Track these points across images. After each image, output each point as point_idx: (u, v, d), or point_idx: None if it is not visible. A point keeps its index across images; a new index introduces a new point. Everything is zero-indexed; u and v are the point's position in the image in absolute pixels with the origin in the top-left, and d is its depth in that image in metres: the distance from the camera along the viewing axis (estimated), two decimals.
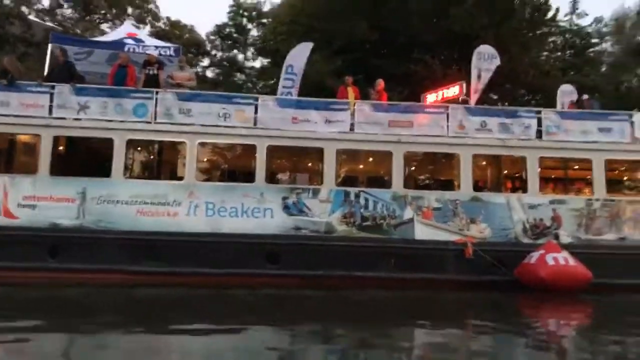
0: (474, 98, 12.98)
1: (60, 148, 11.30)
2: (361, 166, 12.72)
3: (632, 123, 11.89)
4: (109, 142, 10.68)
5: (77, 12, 32.58)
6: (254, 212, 10.63)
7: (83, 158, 11.60)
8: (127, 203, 10.42)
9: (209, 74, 37.27)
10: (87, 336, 6.38)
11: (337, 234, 10.74)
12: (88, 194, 10.38)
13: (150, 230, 10.26)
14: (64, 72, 10.97)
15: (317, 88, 18.62)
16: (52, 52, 11.82)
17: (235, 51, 38.78)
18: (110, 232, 10.22)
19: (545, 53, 27.27)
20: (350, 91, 12.24)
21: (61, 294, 9.21)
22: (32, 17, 28.88)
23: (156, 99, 10.90)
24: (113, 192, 10.44)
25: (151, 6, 34.66)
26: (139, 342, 6.25)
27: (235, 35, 38.02)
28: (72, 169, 10.81)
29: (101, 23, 33.05)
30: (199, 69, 36.22)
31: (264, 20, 36.78)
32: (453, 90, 14.37)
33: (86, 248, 10.05)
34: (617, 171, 12.52)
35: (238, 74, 37.42)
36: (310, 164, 12.23)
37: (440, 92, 14.91)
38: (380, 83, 12.75)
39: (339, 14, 22.58)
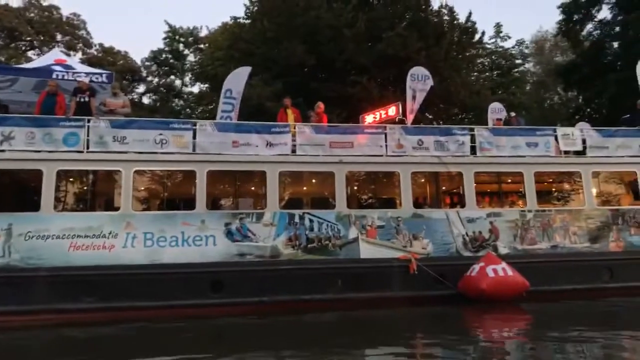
0: (410, 118, 13.39)
1: None
2: (304, 188, 12.71)
3: (556, 137, 12.66)
4: (38, 173, 10.07)
5: (1, 39, 31.07)
6: (195, 240, 10.32)
7: (8, 192, 10.87)
8: (59, 237, 9.83)
9: (146, 100, 36.49)
10: None
11: (283, 257, 10.60)
12: (14, 230, 9.70)
13: (85, 265, 9.71)
14: None
15: (257, 111, 18.62)
16: None
17: (172, 77, 38.24)
18: (41, 270, 9.56)
19: (475, 73, 28.71)
20: (290, 113, 12.33)
21: None
22: None
23: (88, 127, 10.45)
24: (43, 226, 9.81)
25: (82, 32, 33.65)
26: None
27: (171, 61, 37.52)
28: None
29: (27, 50, 31.67)
30: (135, 96, 35.39)
31: (201, 46, 36.56)
32: (390, 111, 14.76)
33: (14, 288, 9.34)
34: (545, 183, 13.23)
35: (176, 100, 36.84)
36: (252, 188, 12.09)
37: (377, 113, 15.28)
38: (320, 105, 12.93)
39: (276, 40, 22.78)
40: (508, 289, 10.19)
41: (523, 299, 10.43)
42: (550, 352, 7.04)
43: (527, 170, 12.09)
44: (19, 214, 9.88)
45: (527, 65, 38.47)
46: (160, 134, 10.78)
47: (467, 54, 25.77)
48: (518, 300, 10.42)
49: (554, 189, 13.57)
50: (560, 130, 12.89)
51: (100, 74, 12.18)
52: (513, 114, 14.95)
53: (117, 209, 10.37)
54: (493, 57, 32.38)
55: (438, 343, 7.76)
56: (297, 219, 10.82)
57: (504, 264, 10.43)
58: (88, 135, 10.42)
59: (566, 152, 12.67)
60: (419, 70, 13.92)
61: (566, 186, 13.33)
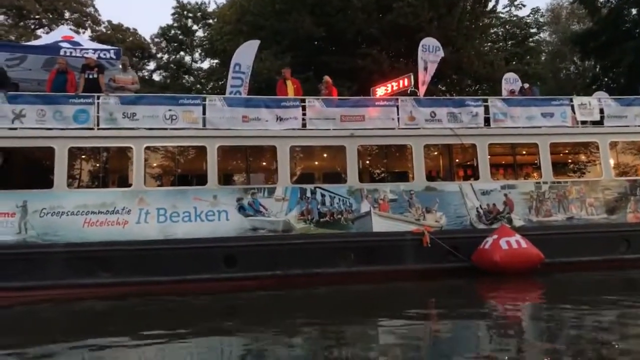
0: (422, 89, 13.14)
1: None
2: (316, 162, 12.64)
3: (572, 107, 12.36)
4: (50, 151, 10.12)
5: (11, 18, 30.97)
6: (208, 215, 10.34)
7: (22, 170, 10.95)
8: (73, 214, 9.90)
9: (156, 77, 36.38)
10: (38, 355, 6.02)
11: (295, 232, 10.60)
12: (29, 207, 9.79)
13: (100, 241, 9.79)
14: None
15: (267, 86, 18.43)
16: None
17: (182, 53, 37.99)
18: (56, 246, 9.67)
19: (488, 43, 28.09)
20: (290, 84, 12.13)
21: (6, 313, 8.68)
22: None
23: (98, 104, 10.41)
24: (57, 203, 9.89)
25: (90, 9, 33.41)
26: (92, 357, 5.96)
27: (181, 37, 37.21)
28: (10, 182, 10.18)
29: (37, 29, 31.56)
30: (145, 73, 35.29)
31: (210, 21, 36.17)
32: (402, 83, 14.50)
33: (30, 264, 9.48)
34: (561, 154, 12.99)
35: (186, 76, 36.67)
36: (264, 163, 12.04)
37: (389, 85, 15.02)
38: (327, 79, 12.72)
39: (284, 12, 22.41)
40: (522, 261, 10.11)
41: (538, 271, 10.35)
42: (565, 324, 6.98)
43: (542, 141, 11.86)
44: (33, 191, 9.95)
45: (542, 35, 37.51)
46: (170, 110, 10.71)
47: (480, 23, 25.17)
48: (533, 272, 10.34)
49: (570, 160, 13.35)
50: (577, 100, 12.58)
51: (108, 50, 12.05)
52: (527, 85, 14.58)
53: (130, 185, 10.39)
54: (507, 26, 31.53)
55: (451, 315, 7.75)
56: (308, 194, 10.78)
57: (517, 236, 10.33)
58: (98, 112, 10.40)
59: (583, 122, 12.39)
60: (430, 41, 13.58)
61: (583, 157, 13.10)
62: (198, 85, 33.50)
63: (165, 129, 10.61)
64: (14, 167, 10.89)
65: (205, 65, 36.06)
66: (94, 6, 33.92)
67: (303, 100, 11.41)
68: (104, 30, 33.59)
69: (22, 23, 30.94)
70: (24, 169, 11.02)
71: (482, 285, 10.16)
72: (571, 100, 12.53)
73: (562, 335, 6.41)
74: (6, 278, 9.35)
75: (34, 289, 9.31)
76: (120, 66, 11.61)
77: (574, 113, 12.32)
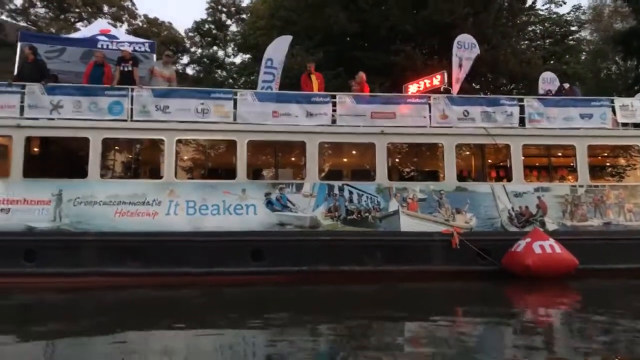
0: (455, 87, 12.88)
1: (34, 149, 10.95)
2: (345, 159, 12.56)
3: (613, 108, 11.90)
4: (85, 141, 10.35)
5: (52, 11, 31.90)
6: (236, 209, 10.41)
7: (58, 159, 11.25)
8: (105, 204, 10.12)
9: (189, 71, 36.87)
10: (67, 341, 6.19)
11: (322, 228, 10.57)
12: (64, 195, 10.05)
13: (130, 231, 9.98)
14: (35, 71, 10.58)
15: (299, 81, 18.41)
16: (21, 51, 11.39)
17: (215, 48, 38.41)
18: (89, 234, 9.91)
19: (525, 42, 27.36)
20: (314, 79, 12.06)
21: (39, 299, 8.95)
22: (4, 17, 28.15)
23: (132, 96, 10.58)
24: (90, 192, 10.12)
25: (127, 4, 34.11)
26: (120, 345, 6.07)
27: (214, 31, 37.63)
28: (47, 171, 10.47)
29: (76, 22, 32.42)
30: (179, 67, 35.78)
31: (243, 16, 36.44)
32: (434, 80, 14.25)
33: (63, 251, 9.73)
34: (599, 157, 12.55)
35: (219, 71, 37.04)
36: (293, 159, 12.03)
37: (421, 83, 14.78)
38: (362, 75, 12.58)
39: (318, 7, 22.34)
40: (555, 266, 9.82)
41: (572, 277, 10.03)
42: (598, 333, 6.72)
43: (580, 143, 11.47)
44: (68, 180, 10.22)
45: (583, 33, 36.27)
46: (202, 104, 10.81)
47: (518, 20, 24.52)
48: (566, 278, 10.03)
49: (608, 164, 12.87)
50: (618, 101, 12.10)
51: (143, 44, 12.27)
52: (567, 84, 14.07)
53: (161, 177, 10.54)
54: (546, 24, 30.60)
55: (479, 319, 7.55)
56: (336, 190, 10.72)
57: (551, 241, 10.03)
58: (132, 105, 10.57)
59: (624, 125, 11.92)
60: (465, 38, 13.29)
61: (622, 161, 12.61)
62: (230, 80, 33.79)
63: (197, 122, 10.71)
64: (51, 157, 11.20)
65: (238, 60, 36.42)
66: (131, 0, 34.63)
67: (333, 96, 11.33)
68: (140, 24, 34.28)
69: (62, 16, 31.86)
70: (60, 158, 11.31)
71: (512, 290, 9.91)
72: (612, 101, 12.08)
73: (594, 345, 6.17)
74: (40, 264, 9.63)
75: (66, 275, 9.54)
76: (163, 60, 11.75)
77: (615, 115, 11.87)
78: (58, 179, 10.18)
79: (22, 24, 29.22)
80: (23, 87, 10.38)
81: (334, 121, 11.17)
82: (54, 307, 8.49)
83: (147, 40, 12.92)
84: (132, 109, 10.56)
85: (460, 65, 12.84)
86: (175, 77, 11.75)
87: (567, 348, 6.16)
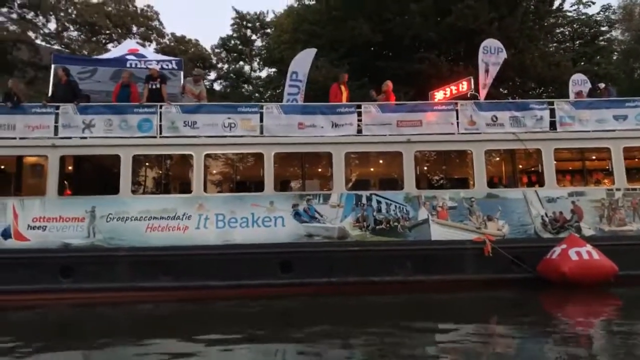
0: (482, 93, 12.68)
1: (69, 168, 11.27)
2: (372, 169, 12.50)
3: None
4: (116, 158, 10.60)
5: (83, 34, 32.98)
6: (265, 221, 10.45)
7: (91, 176, 11.54)
8: (137, 219, 10.30)
9: (217, 87, 37.46)
10: (102, 356, 6.26)
11: (351, 238, 10.51)
12: (97, 212, 10.29)
13: (161, 246, 10.12)
14: (68, 92, 10.94)
15: (324, 93, 18.48)
16: (55, 73, 11.81)
17: (241, 63, 38.98)
18: (121, 250, 10.10)
19: (554, 44, 26.83)
20: (343, 89, 12.05)
21: (76, 314, 9.14)
22: (39, 41, 29.24)
23: (160, 113, 10.80)
24: (122, 209, 10.33)
25: (155, 23, 34.99)
26: (156, 358, 6.11)
27: (240, 47, 38.20)
28: (81, 188, 10.74)
29: (107, 43, 33.39)
30: (207, 83, 36.43)
31: (268, 30, 36.92)
32: (461, 87, 14.07)
33: (98, 267, 9.94)
34: (636, 159, 12.13)
35: (245, 86, 37.54)
36: (319, 170, 12.03)
37: (447, 89, 14.62)
38: (389, 84, 12.52)
39: (341, 19, 22.45)
40: (593, 273, 9.48)
41: (611, 284, 9.67)
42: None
43: (615, 145, 11.12)
44: (100, 197, 10.45)
45: (614, 33, 35.35)
46: (229, 118, 10.94)
47: (545, 23, 24.08)
48: (606, 285, 9.68)
49: None
50: None
51: (170, 61, 12.56)
52: (602, 85, 13.64)
53: (190, 191, 10.68)
54: (575, 25, 29.99)
55: (514, 330, 7.35)
56: (364, 200, 10.65)
57: (588, 247, 9.71)
58: (160, 121, 10.78)
59: None
60: (491, 43, 13.11)
61: None
62: (256, 94, 34.20)
63: (224, 136, 10.84)
64: (84, 174, 11.50)
65: (264, 74, 36.83)
66: (159, 20, 35.53)
67: (359, 106, 11.31)
68: (167, 42, 35.07)
69: (94, 38, 32.89)
70: (93, 176, 11.60)
71: (548, 298, 9.62)
72: None
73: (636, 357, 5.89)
74: (76, 280, 9.85)
75: (100, 290, 9.74)
76: (194, 77, 11.96)
77: None
78: (91, 196, 10.43)
79: (56, 47, 30.29)
80: (57, 107, 10.72)
81: (359, 131, 11.14)
82: (89, 322, 8.65)
83: (174, 58, 13.23)
84: (160, 126, 10.77)
85: (486, 71, 12.66)
86: (205, 94, 11.89)
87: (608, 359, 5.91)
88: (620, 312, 8.85)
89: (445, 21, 21.35)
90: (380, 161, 12.11)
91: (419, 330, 7.31)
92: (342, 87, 12.10)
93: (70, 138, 10.69)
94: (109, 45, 32.76)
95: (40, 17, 29.88)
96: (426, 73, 20.57)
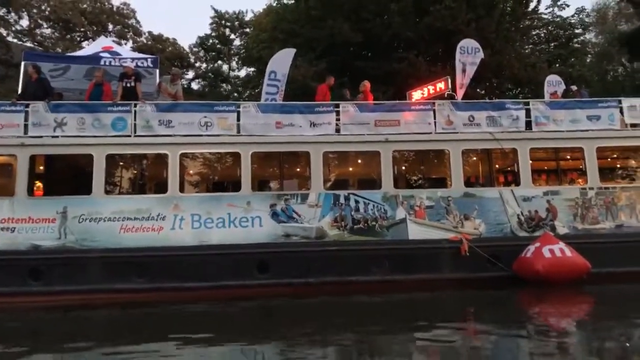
0: (460, 93, 12.79)
1: (40, 167, 10.97)
2: (350, 168, 12.47)
3: (621, 109, 11.74)
4: (89, 158, 10.35)
5: (57, 32, 32.28)
6: (242, 221, 10.32)
7: (63, 176, 11.26)
8: (110, 220, 10.08)
9: (194, 86, 37.06)
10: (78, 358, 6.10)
11: (329, 238, 10.45)
12: (69, 213, 10.02)
13: (136, 247, 9.92)
14: (39, 89, 10.63)
15: (303, 93, 18.41)
16: (25, 70, 11.49)
17: (219, 62, 38.63)
18: (94, 251, 9.86)
19: (529, 45, 27.23)
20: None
21: (46, 317, 8.88)
22: (10, 38, 28.51)
23: (135, 112, 10.59)
24: (95, 209, 10.08)
25: (132, 21, 34.45)
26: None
27: (218, 46, 37.87)
28: (52, 189, 10.47)
29: (82, 41, 32.75)
30: (184, 82, 36.00)
31: (247, 30, 36.66)
32: (438, 86, 14.17)
33: (70, 269, 9.69)
34: (609, 159, 12.36)
35: (224, 85, 37.22)
36: (298, 169, 11.96)
37: (425, 89, 14.71)
38: (366, 84, 12.53)
39: (320, 19, 22.40)
40: (566, 270, 9.61)
41: (584, 281, 9.81)
42: (613, 340, 6.52)
43: (588, 145, 11.30)
44: (72, 197, 10.19)
45: (587, 36, 36.08)
46: (205, 117, 10.78)
47: (521, 25, 24.41)
48: (578, 282, 9.82)
49: (618, 165, 12.66)
50: (626, 102, 11.93)
51: (146, 59, 12.35)
52: (575, 87, 13.90)
53: (165, 191, 10.49)
54: (550, 27, 30.47)
55: (490, 328, 7.39)
56: (342, 200, 10.62)
57: (562, 244, 9.84)
58: (135, 120, 10.56)
59: (633, 125, 11.73)
60: (468, 43, 13.24)
61: (633, 162, 12.40)
62: (235, 94, 33.94)
63: (200, 135, 10.68)
64: (55, 174, 11.21)
65: (242, 73, 36.57)
66: (135, 18, 34.99)
67: (337, 106, 11.27)
68: (144, 40, 34.56)
69: (68, 36, 32.21)
70: (65, 176, 11.32)
71: (523, 296, 9.72)
72: (620, 102, 11.90)
73: (610, 353, 5.97)
74: (46, 282, 9.59)
75: (72, 292, 9.49)
76: (170, 77, 11.74)
77: (623, 115, 11.69)
78: (62, 196, 10.16)
79: (29, 44, 29.56)
80: (27, 105, 10.41)
81: (338, 130, 11.10)
82: (61, 325, 8.42)
83: (149, 56, 13.01)
84: (135, 125, 10.55)
85: (463, 71, 12.78)
86: (182, 94, 11.66)
87: (582, 354, 5.99)
88: (593, 309, 9.01)
89: (424, 21, 21.48)
90: (359, 161, 12.09)
91: (397, 329, 7.31)
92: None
93: (41, 137, 10.39)
94: (84, 43, 32.14)
95: (12, 14, 29.17)
96: (404, 73, 20.66)
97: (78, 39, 32.71)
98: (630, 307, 8.43)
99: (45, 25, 31.77)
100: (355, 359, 5.95)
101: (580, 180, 11.68)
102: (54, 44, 30.32)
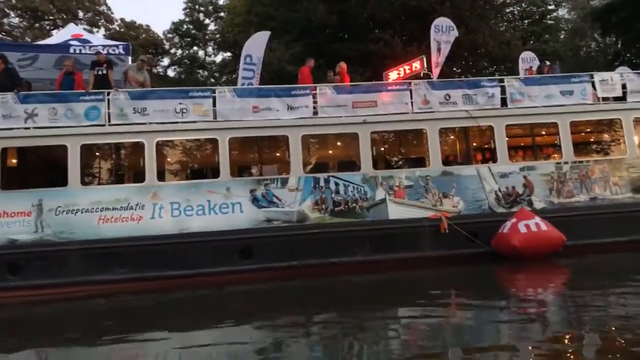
0: (435, 72, 12.83)
1: (12, 160, 10.73)
2: (329, 151, 12.46)
3: (593, 84, 11.92)
4: (63, 149, 10.14)
5: (26, 20, 31.37)
6: (222, 208, 10.28)
7: (36, 168, 11.04)
8: (88, 211, 9.94)
9: (171, 73, 36.51)
10: (60, 353, 6.05)
11: (310, 221, 10.48)
12: (45, 205, 9.85)
13: (115, 237, 9.82)
14: (6, 80, 10.32)
15: (279, 77, 18.29)
16: None
17: (195, 48, 38.05)
18: (73, 243, 9.73)
19: (504, 23, 27.39)
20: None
21: (27, 312, 8.77)
22: None
23: (108, 100, 10.39)
24: (72, 201, 9.93)
25: (103, 8, 33.62)
26: (114, 353, 5.99)
27: (193, 31, 37.28)
28: (26, 181, 10.26)
29: (52, 30, 31.88)
30: (160, 69, 35.41)
31: (222, 14, 36.10)
32: (414, 66, 14.17)
33: (48, 262, 9.55)
34: (582, 133, 12.57)
35: (200, 71, 36.74)
36: (277, 154, 11.91)
37: (401, 69, 14.70)
38: (342, 65, 12.48)
39: (294, 1, 22.16)
40: (542, 244, 9.82)
41: (561, 254, 10.05)
42: (590, 309, 6.71)
43: (562, 120, 11.48)
44: (48, 189, 10.01)
45: (561, 12, 36.44)
46: (180, 103, 10.63)
47: (495, 2, 24.50)
48: (555, 256, 10.05)
49: (592, 139, 12.88)
50: (598, 76, 12.10)
51: (117, 46, 12.06)
52: (547, 62, 14.06)
53: (143, 180, 10.37)
54: (523, 4, 30.69)
55: (471, 303, 7.57)
56: (322, 183, 10.63)
57: (537, 219, 10.03)
58: (109, 108, 10.37)
59: (605, 99, 11.94)
60: (443, 21, 13.24)
61: (605, 135, 12.64)
62: (212, 79, 33.53)
63: (176, 122, 10.54)
64: (29, 167, 10.98)
65: (219, 58, 36.14)
66: (106, 5, 34.16)
67: (314, 88, 11.21)
68: (117, 28, 33.82)
69: (37, 25, 31.32)
70: (39, 168, 11.10)
71: (502, 271, 9.90)
72: (591, 76, 12.07)
73: (587, 321, 6.16)
74: (25, 277, 9.45)
75: (52, 286, 9.38)
76: (137, 64, 11.50)
77: (595, 90, 11.89)
78: (37, 189, 9.97)
79: None
80: None
81: (315, 113, 11.06)
82: (42, 319, 8.33)
83: (121, 43, 12.72)
84: (109, 113, 10.36)
85: (438, 50, 12.81)
86: (150, 82, 11.43)
87: (559, 323, 6.16)
88: (569, 281, 9.24)
89: (399, 0, 21.39)
90: (338, 143, 12.09)
91: (380, 309, 7.41)
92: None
93: (11, 129, 10.14)
94: (54, 32, 31.31)
95: None
96: (381, 53, 20.64)
97: (47, 27, 31.84)
98: (606, 277, 8.66)
99: (12, 15, 30.85)
100: (339, 339, 6.02)
101: (555, 155, 11.88)
102: (23, 34, 29.49)
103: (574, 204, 11.15)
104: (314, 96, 11.10)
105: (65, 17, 32.20)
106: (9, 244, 9.64)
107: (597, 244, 10.52)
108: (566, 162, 11.35)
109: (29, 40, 27.67)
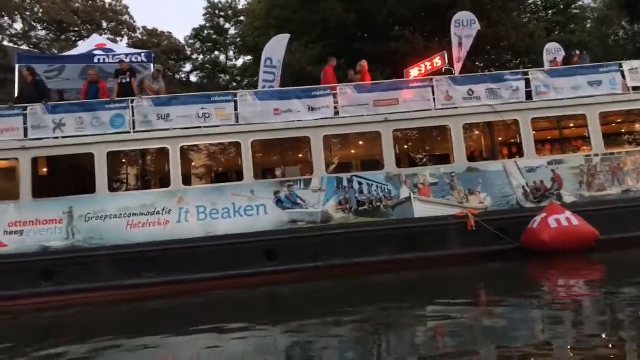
0: (457, 67, 12.62)
1: (42, 169, 11.02)
2: (352, 150, 12.43)
3: (622, 73, 11.56)
4: (90, 157, 10.36)
5: (52, 33, 32.20)
6: (247, 210, 10.34)
7: (66, 176, 11.30)
8: (116, 217, 10.13)
9: (193, 78, 36.98)
10: (93, 356, 6.16)
11: (334, 222, 10.45)
12: (75, 212, 10.08)
13: (143, 242, 9.97)
14: (35, 92, 10.62)
15: (301, 78, 18.30)
16: (19, 73, 11.47)
17: (216, 53, 38.47)
18: (103, 249, 9.93)
19: (527, 14, 26.84)
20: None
21: (59, 317, 8.97)
22: (6, 42, 28.47)
23: (132, 108, 10.56)
24: (100, 207, 10.13)
25: (125, 17, 34.27)
26: (146, 355, 6.09)
27: (214, 36, 37.68)
28: (56, 190, 10.52)
29: (77, 41, 32.62)
30: (183, 75, 35.91)
31: (241, 18, 36.40)
32: (435, 62, 13.99)
33: (80, 267, 9.77)
34: (613, 124, 12.22)
35: (222, 75, 37.09)
36: (299, 155, 11.92)
37: (422, 66, 14.53)
38: (364, 64, 12.40)
39: (313, 2, 22.17)
40: (574, 239, 9.57)
41: (593, 249, 9.77)
42: (625, 306, 6.48)
43: (590, 111, 11.17)
44: (77, 197, 10.23)
45: (586, 0, 35.55)
46: (203, 108, 10.73)
47: None
48: (588, 250, 9.78)
49: (623, 130, 12.52)
50: (627, 65, 11.74)
51: (139, 54, 12.27)
52: (577, 52, 13.60)
53: (169, 185, 10.50)
54: None
55: (502, 301, 7.39)
56: (345, 183, 10.59)
57: (568, 213, 9.78)
58: (133, 116, 10.55)
59: (635, 89, 11.56)
60: (464, 15, 13.02)
61: (637, 126, 12.27)
62: (234, 83, 33.83)
63: (199, 127, 10.65)
64: (59, 175, 11.25)
65: (240, 62, 36.43)
66: (129, 14, 34.81)
67: (334, 88, 11.17)
68: (140, 36, 34.42)
69: (63, 36, 32.12)
70: (68, 176, 11.36)
71: (533, 268, 9.69)
72: (620, 65, 11.71)
73: (623, 321, 5.94)
74: (57, 282, 9.68)
75: (84, 291, 9.59)
76: (152, 74, 11.67)
77: (625, 79, 11.52)
78: (67, 197, 10.20)
79: (25, 47, 29.51)
80: (24, 108, 10.41)
81: (337, 113, 11.02)
82: (74, 324, 8.49)
83: (143, 51, 12.94)
84: (133, 120, 10.54)
85: (460, 44, 12.59)
86: (165, 90, 11.55)
87: (595, 323, 5.98)
88: (603, 276, 8.96)
89: None
90: (360, 142, 12.04)
91: (410, 308, 7.31)
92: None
93: (41, 139, 10.41)
94: (80, 43, 32.04)
95: (6, 18, 29.10)
96: (402, 51, 20.47)
97: (73, 38, 32.61)
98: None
99: (39, 28, 31.71)
100: (369, 338, 5.97)
101: (584, 147, 11.57)
102: (50, 45, 30.28)
103: (606, 197, 10.84)
104: (335, 96, 11.06)
105: (90, 27, 32.93)
106: (42, 251, 9.89)
107: (631, 237, 10.19)
108: (596, 155, 11.04)
109: (56, 52, 28.39)
